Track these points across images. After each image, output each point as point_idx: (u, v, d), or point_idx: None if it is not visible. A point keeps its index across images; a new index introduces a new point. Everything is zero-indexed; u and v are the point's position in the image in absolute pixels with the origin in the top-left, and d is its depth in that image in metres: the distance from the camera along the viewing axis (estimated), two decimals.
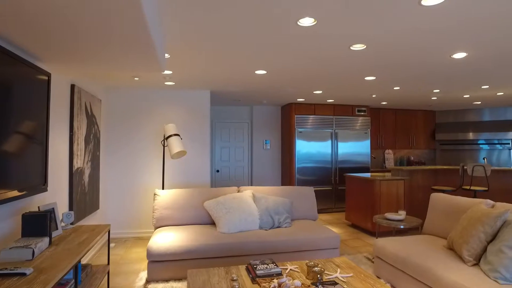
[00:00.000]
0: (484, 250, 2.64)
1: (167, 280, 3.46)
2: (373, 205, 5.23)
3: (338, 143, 7.24)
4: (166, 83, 4.96)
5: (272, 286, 2.19)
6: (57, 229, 2.54)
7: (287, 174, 7.30)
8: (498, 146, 7.72)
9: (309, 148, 7.07)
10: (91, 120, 4.30)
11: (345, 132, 7.30)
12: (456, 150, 8.33)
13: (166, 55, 3.51)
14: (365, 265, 3.92)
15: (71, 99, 3.62)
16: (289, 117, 7.18)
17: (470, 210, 3.04)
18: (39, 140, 2.63)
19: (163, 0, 2.23)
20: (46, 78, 2.74)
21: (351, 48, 3.28)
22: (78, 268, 2.24)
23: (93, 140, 4.37)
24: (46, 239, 2.20)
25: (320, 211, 7.16)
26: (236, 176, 7.67)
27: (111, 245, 4.78)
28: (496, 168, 5.61)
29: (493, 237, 2.63)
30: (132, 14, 1.77)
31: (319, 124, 7.14)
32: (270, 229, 3.95)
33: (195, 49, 3.33)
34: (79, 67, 3.04)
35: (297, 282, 2.21)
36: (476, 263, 2.66)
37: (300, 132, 6.99)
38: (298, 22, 2.63)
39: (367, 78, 4.68)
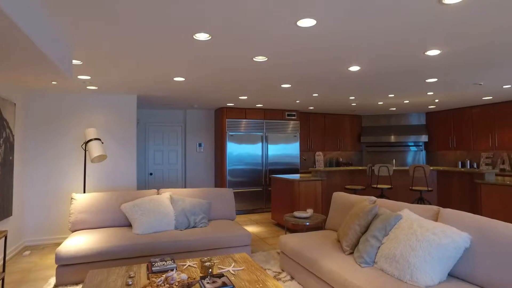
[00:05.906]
0: (359, 240, 3.04)
1: (77, 283, 3.49)
2: (293, 205, 5.60)
3: (269, 145, 7.59)
4: (88, 87, 4.94)
5: (159, 280, 2.36)
6: None
7: (220, 176, 7.51)
8: (420, 147, 8.58)
9: (240, 151, 7.33)
10: (1, 124, 4.18)
11: (275, 135, 7.67)
12: (380, 152, 9.09)
13: (76, 62, 3.55)
14: (275, 260, 4.23)
15: None
16: (221, 120, 7.40)
17: (355, 206, 3.45)
18: None
19: (60, 13, 2.32)
20: None
21: (254, 59, 3.56)
22: None
23: (3, 144, 4.24)
24: None
25: (251, 211, 7.45)
26: (170, 178, 7.72)
27: (26, 252, 4.65)
28: (397, 168, 6.27)
29: (366, 229, 3.04)
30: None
31: (250, 128, 7.43)
32: (185, 229, 4.12)
33: (106, 58, 3.41)
34: None
35: (184, 275, 2.41)
36: (352, 252, 3.05)
37: (232, 135, 7.23)
38: (194, 36, 2.84)
39: (283, 86, 5.03)
